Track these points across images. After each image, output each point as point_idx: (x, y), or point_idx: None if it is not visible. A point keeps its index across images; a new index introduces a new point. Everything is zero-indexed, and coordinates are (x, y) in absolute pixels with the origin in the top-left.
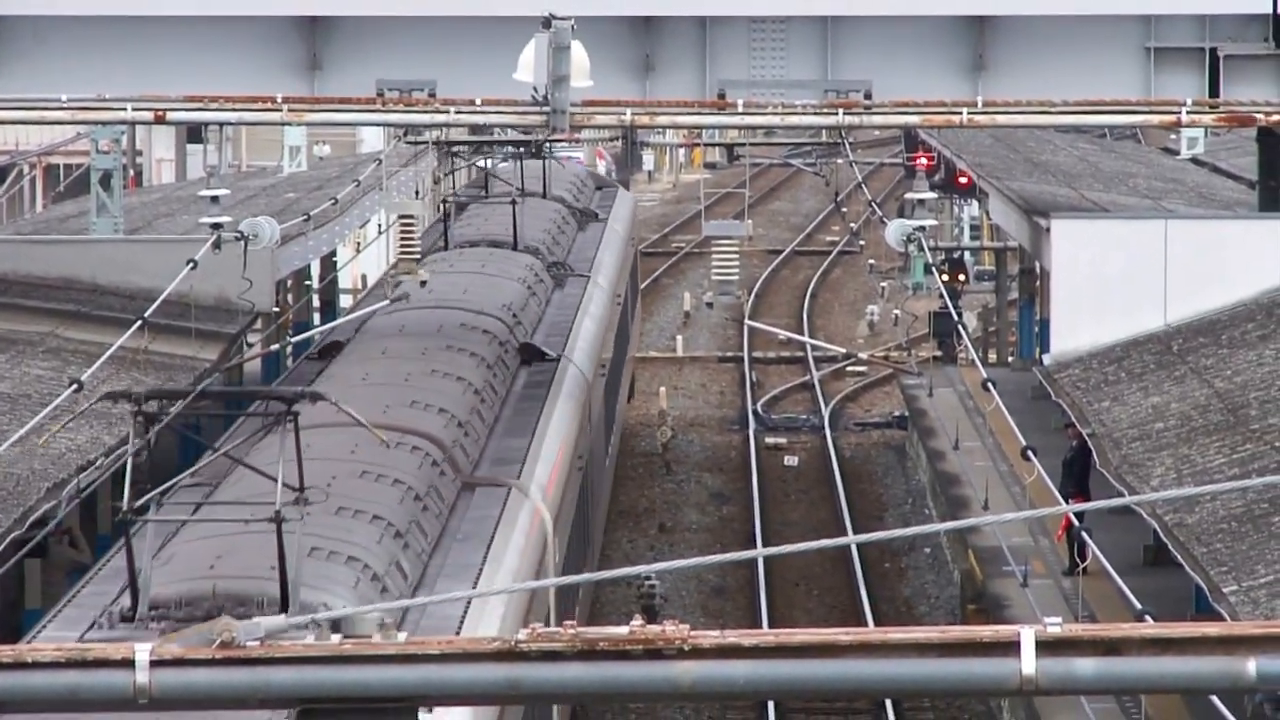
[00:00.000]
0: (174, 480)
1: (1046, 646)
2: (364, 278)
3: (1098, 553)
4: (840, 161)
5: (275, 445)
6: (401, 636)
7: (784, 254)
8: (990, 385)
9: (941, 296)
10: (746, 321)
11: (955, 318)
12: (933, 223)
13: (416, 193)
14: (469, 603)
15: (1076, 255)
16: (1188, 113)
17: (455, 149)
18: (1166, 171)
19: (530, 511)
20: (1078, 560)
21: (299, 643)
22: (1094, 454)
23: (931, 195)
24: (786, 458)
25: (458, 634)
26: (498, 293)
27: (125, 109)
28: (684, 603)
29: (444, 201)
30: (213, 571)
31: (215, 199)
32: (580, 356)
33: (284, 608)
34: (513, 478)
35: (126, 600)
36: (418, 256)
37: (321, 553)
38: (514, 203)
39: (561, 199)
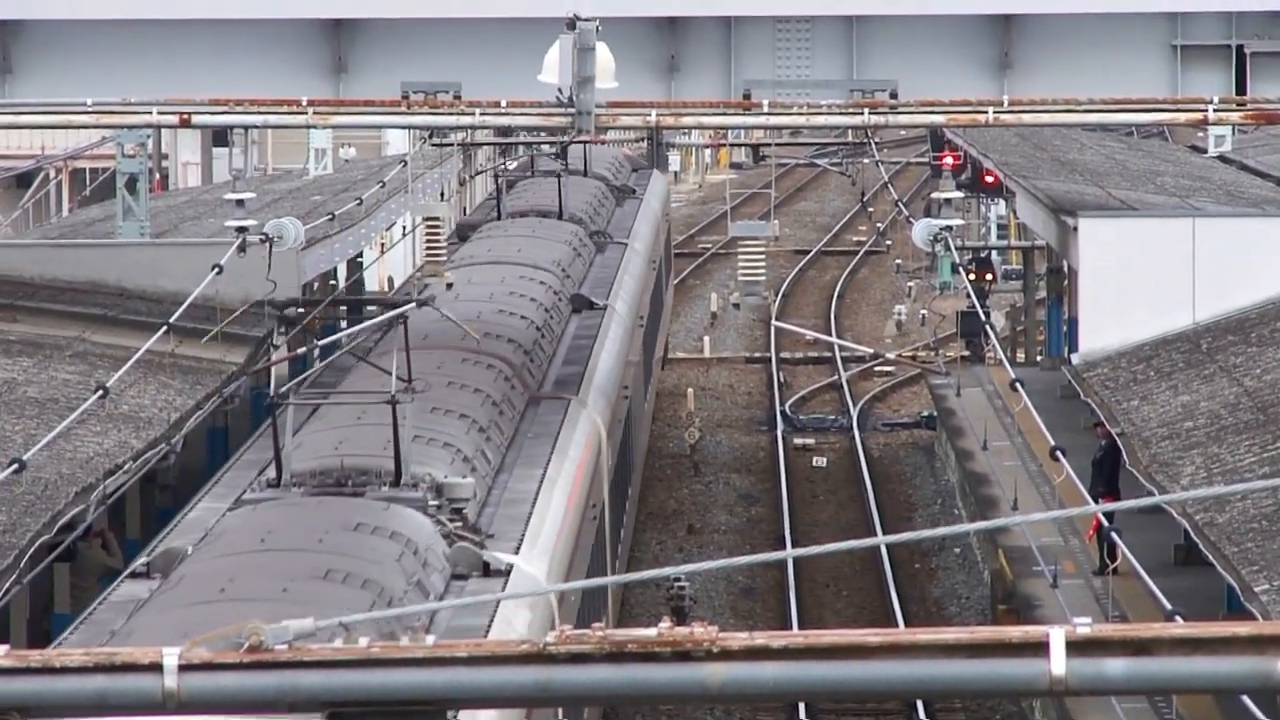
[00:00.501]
0: (307, 374)
1: (1076, 647)
2: (390, 280)
3: (1128, 553)
4: (866, 161)
5: (385, 350)
6: (430, 639)
7: (811, 254)
8: (1019, 385)
9: (969, 296)
10: (773, 322)
11: (983, 317)
12: (959, 222)
13: (442, 195)
14: (540, 484)
15: (1104, 254)
16: (1215, 110)
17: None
18: (1194, 169)
19: (588, 420)
20: (1108, 560)
21: (327, 646)
22: (1123, 453)
23: (958, 194)
24: (815, 458)
25: (534, 502)
26: (548, 252)
27: (151, 112)
28: (713, 604)
29: (496, 177)
30: (339, 451)
31: (241, 202)
32: (622, 307)
33: (397, 479)
34: (572, 394)
35: (271, 473)
36: (443, 259)
37: (422, 439)
38: (558, 178)
39: (601, 177)
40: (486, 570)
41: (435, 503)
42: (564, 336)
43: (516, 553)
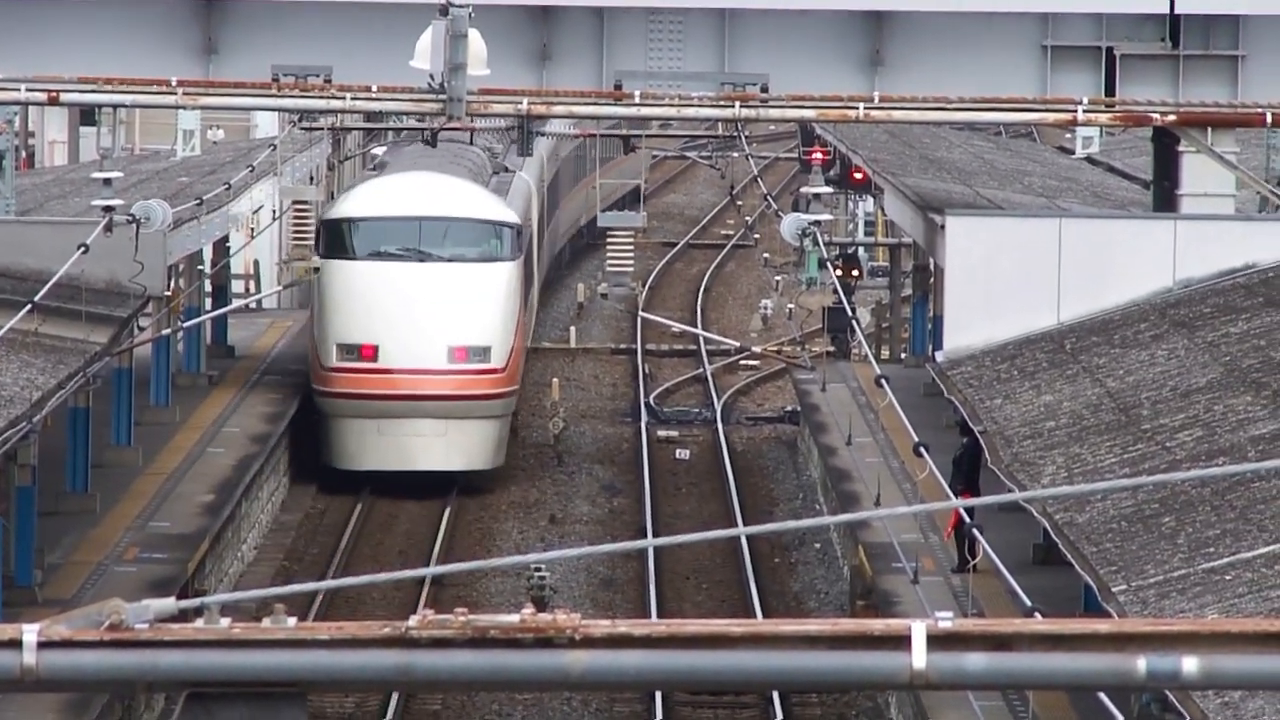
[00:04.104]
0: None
1: (937, 641)
2: (256, 263)
3: (988, 549)
4: (736, 155)
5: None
6: (291, 622)
7: (679, 246)
8: (883, 381)
9: (835, 292)
10: (640, 313)
11: (849, 313)
12: (828, 218)
13: (311, 178)
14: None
15: (970, 252)
16: (1084, 111)
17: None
18: (1061, 170)
19: (526, 181)
20: (967, 557)
21: (188, 626)
22: (984, 451)
23: (827, 190)
24: (678, 451)
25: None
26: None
27: (19, 89)
28: (573, 594)
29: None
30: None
31: (108, 182)
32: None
33: (471, 140)
34: (519, 170)
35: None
36: (310, 243)
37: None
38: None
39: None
40: (505, 170)
41: (484, 149)
42: (510, 148)
43: (520, 169)
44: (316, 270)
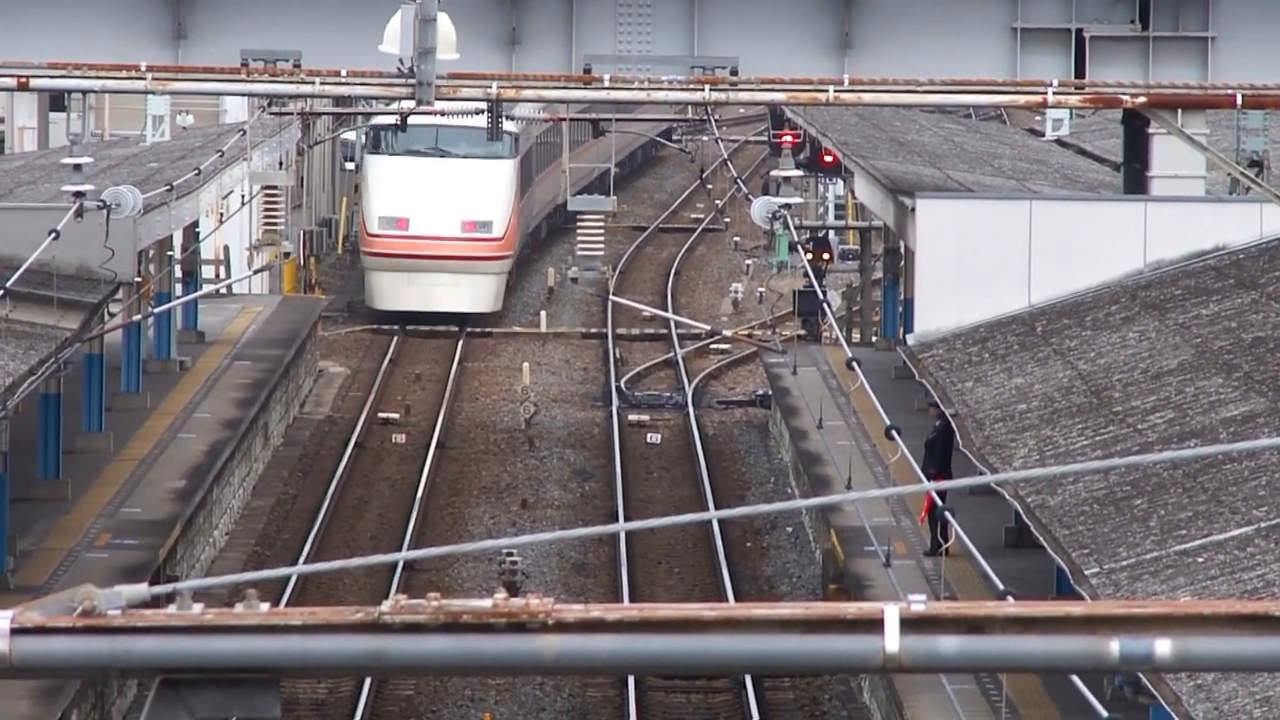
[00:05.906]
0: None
1: (910, 624)
2: (226, 249)
3: (960, 532)
4: (706, 138)
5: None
6: (263, 607)
7: (649, 230)
8: (854, 364)
9: (806, 275)
10: (611, 297)
11: (820, 296)
12: (798, 201)
13: (280, 163)
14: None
15: (941, 235)
16: (1054, 93)
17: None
18: (1031, 153)
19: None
20: (940, 540)
21: (161, 612)
22: (956, 434)
23: (797, 173)
24: (649, 435)
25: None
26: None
27: None
28: (545, 579)
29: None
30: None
31: (78, 167)
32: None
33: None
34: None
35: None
36: (281, 228)
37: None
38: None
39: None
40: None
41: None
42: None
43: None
44: (288, 255)
